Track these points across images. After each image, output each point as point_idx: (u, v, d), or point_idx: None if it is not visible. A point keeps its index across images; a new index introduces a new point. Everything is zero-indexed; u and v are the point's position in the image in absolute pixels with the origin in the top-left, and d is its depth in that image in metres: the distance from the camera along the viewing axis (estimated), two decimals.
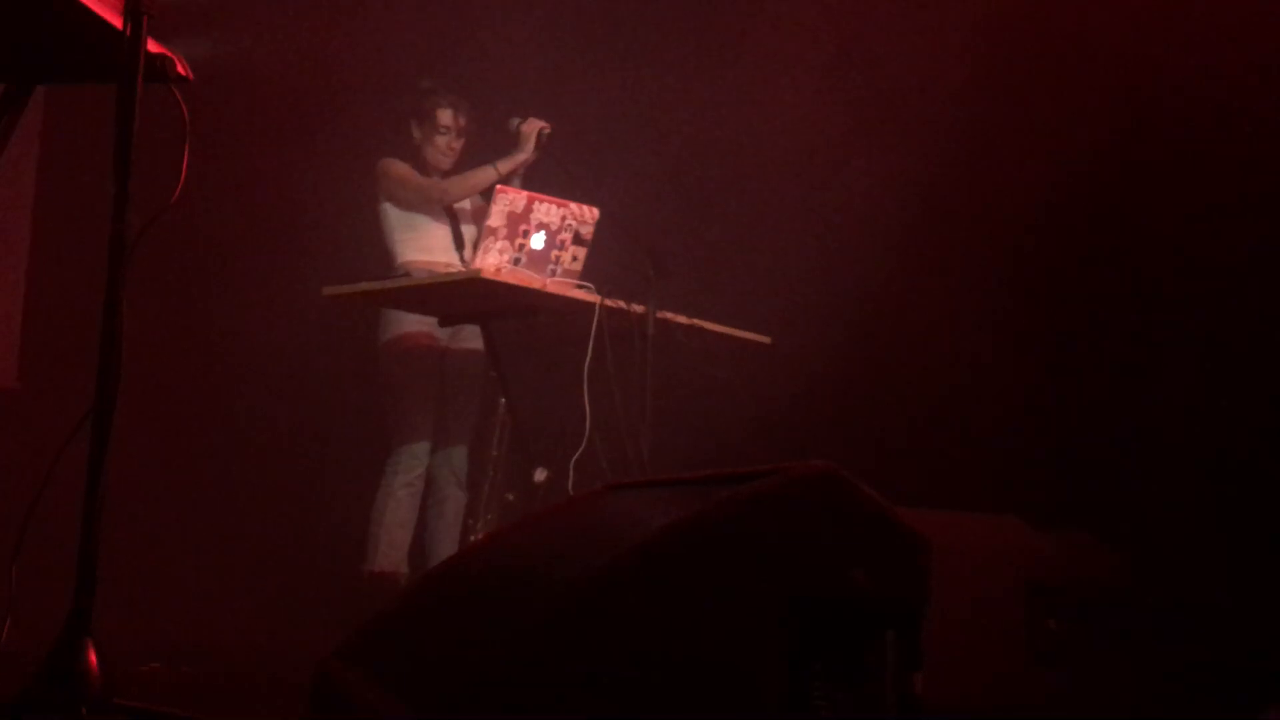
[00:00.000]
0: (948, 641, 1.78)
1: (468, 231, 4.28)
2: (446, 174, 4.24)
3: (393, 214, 4.20)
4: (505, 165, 4.01)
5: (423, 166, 4.24)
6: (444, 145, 4.22)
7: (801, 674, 1.53)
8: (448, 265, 4.16)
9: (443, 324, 4.12)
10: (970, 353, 3.95)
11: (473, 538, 4.26)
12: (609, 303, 3.64)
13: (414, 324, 4.14)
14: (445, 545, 4.21)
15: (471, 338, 4.28)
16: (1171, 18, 3.65)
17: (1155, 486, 3.53)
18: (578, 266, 3.74)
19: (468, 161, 4.25)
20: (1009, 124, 3.92)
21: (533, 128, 3.99)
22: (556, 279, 3.69)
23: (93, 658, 1.67)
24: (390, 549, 4.07)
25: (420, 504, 4.20)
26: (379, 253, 4.24)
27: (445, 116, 4.21)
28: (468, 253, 4.23)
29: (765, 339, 4.02)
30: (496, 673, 1.52)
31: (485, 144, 4.34)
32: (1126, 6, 3.73)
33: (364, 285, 3.86)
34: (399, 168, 4.18)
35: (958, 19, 3.99)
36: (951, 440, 3.92)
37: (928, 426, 3.97)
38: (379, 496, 4.10)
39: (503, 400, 4.20)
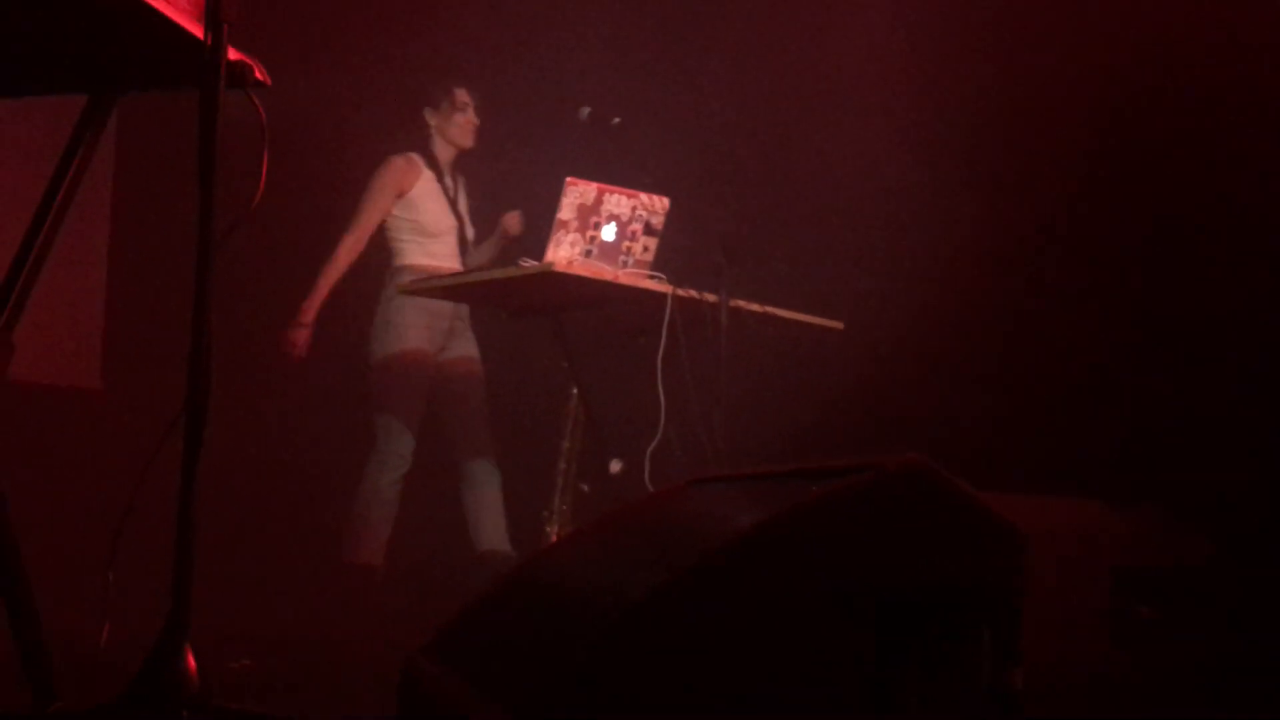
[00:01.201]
0: (1033, 627, 1.75)
1: (468, 236, 4.38)
2: (468, 153, 4.32)
3: (402, 217, 4.25)
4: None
5: (443, 149, 4.30)
6: (464, 122, 4.29)
7: (894, 670, 1.51)
8: (451, 271, 4.22)
9: (513, 317, 4.14)
10: (1045, 334, 3.90)
11: (547, 529, 4.28)
12: (681, 292, 3.64)
13: (409, 341, 4.20)
14: (488, 523, 4.26)
15: (461, 345, 4.32)
16: None
17: (1236, 465, 3.47)
18: (649, 257, 3.74)
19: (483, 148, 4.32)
20: (1089, 105, 3.85)
21: (513, 220, 4.16)
22: (628, 270, 3.69)
23: (191, 660, 1.69)
24: (374, 542, 4.17)
25: (459, 493, 4.31)
26: (379, 247, 4.32)
27: (462, 94, 4.29)
28: (469, 258, 4.33)
29: (838, 324, 3.99)
30: (587, 672, 1.53)
31: (555, 132, 4.35)
32: None
33: (437, 281, 3.90)
34: (390, 184, 4.23)
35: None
36: (1027, 422, 3.87)
37: (1003, 409, 3.93)
38: (365, 492, 4.19)
39: (575, 391, 4.21)
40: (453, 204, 4.31)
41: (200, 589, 1.88)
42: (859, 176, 4.26)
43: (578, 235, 3.59)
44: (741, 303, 3.72)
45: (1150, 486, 3.38)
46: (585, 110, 4.13)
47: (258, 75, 1.98)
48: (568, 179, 3.65)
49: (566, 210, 3.56)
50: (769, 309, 3.79)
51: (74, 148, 2.15)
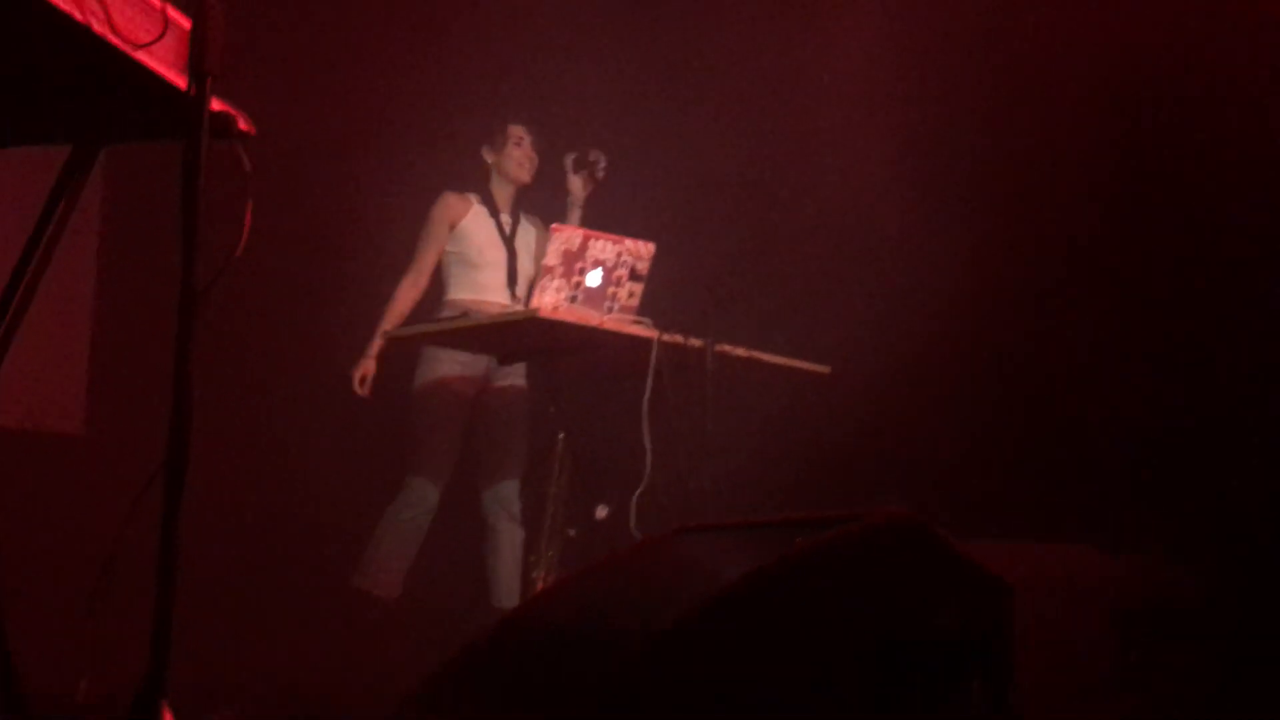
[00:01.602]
0: (1033, 675, 1.74)
1: (524, 269, 4.32)
2: (527, 188, 4.33)
3: (450, 250, 4.26)
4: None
5: (500, 187, 4.32)
6: (520, 156, 4.30)
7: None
8: (501, 305, 4.20)
9: (502, 363, 4.14)
10: (1031, 379, 3.90)
11: (534, 575, 4.25)
12: (667, 337, 3.64)
13: (449, 367, 4.17)
14: (505, 582, 4.21)
15: (513, 374, 4.31)
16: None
17: (1229, 508, 3.46)
18: (634, 302, 3.74)
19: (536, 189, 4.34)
20: (1079, 153, 3.87)
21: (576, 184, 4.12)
22: (614, 315, 3.69)
23: (168, 717, 1.66)
24: (380, 573, 4.14)
25: (479, 541, 4.24)
26: (435, 282, 4.34)
27: (517, 130, 4.30)
28: (520, 289, 4.29)
29: (824, 369, 3.99)
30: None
31: (540, 179, 4.37)
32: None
33: (422, 326, 3.89)
34: (440, 219, 4.27)
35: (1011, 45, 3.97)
36: (1017, 465, 3.87)
37: (992, 452, 3.92)
38: (383, 523, 4.18)
39: (561, 436, 4.20)
40: (507, 239, 4.30)
41: (193, 631, 1.86)
42: (845, 221, 4.27)
43: (563, 281, 3.59)
44: (727, 347, 3.72)
45: (1143, 528, 3.37)
46: (570, 156, 4.18)
47: (242, 126, 1.98)
48: (553, 225, 3.66)
49: (552, 256, 3.56)
50: (755, 354, 3.79)
51: (57, 196, 2.15)
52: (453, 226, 4.28)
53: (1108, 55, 3.82)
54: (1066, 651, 2.48)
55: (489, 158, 4.34)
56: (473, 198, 4.31)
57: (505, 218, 4.33)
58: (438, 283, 4.34)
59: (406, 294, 4.24)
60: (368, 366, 4.17)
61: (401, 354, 4.31)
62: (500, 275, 4.26)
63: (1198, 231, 3.69)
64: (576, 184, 4.21)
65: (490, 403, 4.27)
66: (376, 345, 4.18)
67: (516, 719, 1.71)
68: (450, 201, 4.29)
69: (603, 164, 4.18)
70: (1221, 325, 3.60)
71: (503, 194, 4.34)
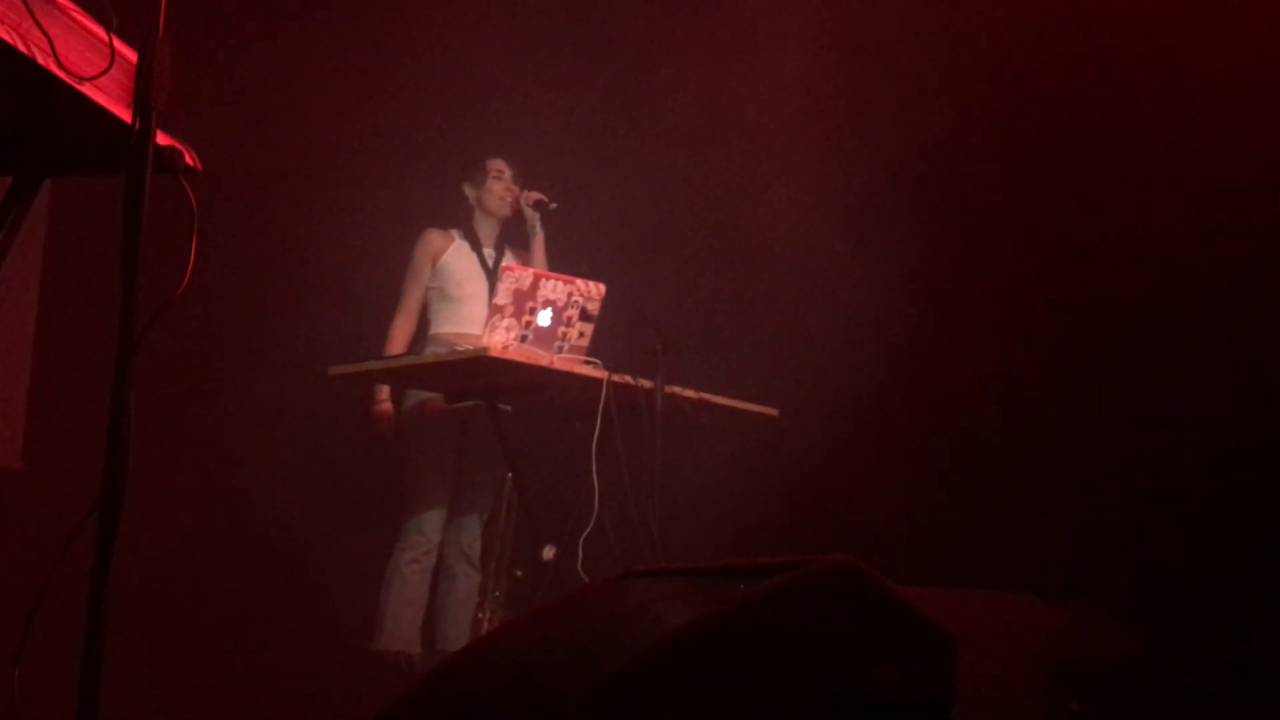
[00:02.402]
0: None
1: None
2: (506, 221, 4.32)
3: (432, 285, 4.26)
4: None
5: (483, 221, 4.32)
6: (500, 190, 4.29)
7: None
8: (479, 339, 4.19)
9: (449, 401, 4.11)
10: (980, 426, 3.93)
11: (479, 614, 4.21)
12: (616, 378, 3.64)
13: (430, 405, 4.15)
14: (454, 626, 4.16)
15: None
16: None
17: (1167, 559, 3.49)
18: (584, 342, 3.74)
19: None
20: (1018, 199, 3.91)
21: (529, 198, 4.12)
22: (563, 355, 3.68)
23: None
24: (396, 628, 4.05)
25: (432, 581, 4.17)
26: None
27: (496, 164, 4.32)
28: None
29: (773, 411, 4.00)
30: None
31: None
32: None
33: (369, 364, 3.86)
34: (422, 256, 4.28)
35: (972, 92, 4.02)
36: (961, 514, 3.88)
37: (934, 500, 3.94)
38: (387, 573, 4.09)
39: (509, 476, 4.17)
40: (489, 272, 4.28)
41: (123, 682, 1.81)
42: (796, 264, 4.30)
43: (513, 320, 3.58)
44: (677, 389, 3.72)
45: (1084, 578, 3.40)
46: (526, 195, 4.20)
47: (188, 161, 1.96)
48: (504, 265, 3.65)
49: (503, 295, 3.56)
50: (704, 395, 3.80)
51: None
52: (434, 262, 4.28)
53: (1049, 82, 3.88)
54: (1007, 702, 2.48)
55: (470, 193, 4.34)
56: (454, 233, 4.31)
57: (489, 251, 4.32)
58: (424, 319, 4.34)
59: (399, 334, 4.26)
60: (383, 411, 4.18)
61: (358, 392, 4.28)
62: (481, 308, 4.23)
63: (1144, 273, 3.74)
64: (531, 214, 4.24)
65: (476, 428, 4.21)
66: (384, 390, 4.18)
67: None
68: (431, 238, 4.29)
69: (552, 205, 4.21)
70: (1167, 374, 3.65)
71: (486, 228, 4.34)
